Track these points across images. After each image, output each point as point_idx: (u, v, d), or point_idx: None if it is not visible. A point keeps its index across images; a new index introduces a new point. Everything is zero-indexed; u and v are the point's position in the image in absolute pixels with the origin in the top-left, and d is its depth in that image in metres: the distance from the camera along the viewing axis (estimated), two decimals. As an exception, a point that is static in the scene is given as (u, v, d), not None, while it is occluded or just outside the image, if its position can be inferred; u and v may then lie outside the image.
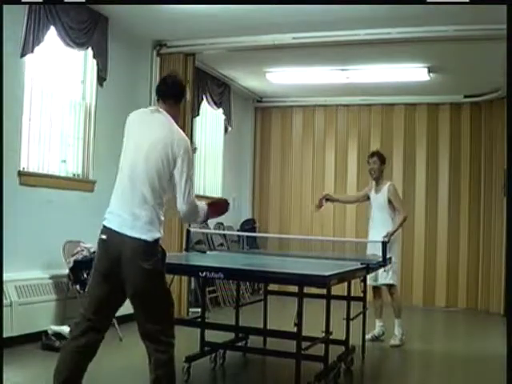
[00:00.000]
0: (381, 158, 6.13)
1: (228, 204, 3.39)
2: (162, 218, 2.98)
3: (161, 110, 3.07)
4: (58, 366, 2.95)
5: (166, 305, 3.02)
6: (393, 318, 6.01)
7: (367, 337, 5.69)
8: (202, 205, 3.14)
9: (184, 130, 7.26)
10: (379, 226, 5.89)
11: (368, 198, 6.23)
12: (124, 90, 6.57)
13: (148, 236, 2.88)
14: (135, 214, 2.89)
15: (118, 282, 2.92)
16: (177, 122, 3.11)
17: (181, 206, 2.97)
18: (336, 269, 3.98)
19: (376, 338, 6.06)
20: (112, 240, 2.92)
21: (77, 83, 6.16)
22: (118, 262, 2.88)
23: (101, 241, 2.98)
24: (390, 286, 6.01)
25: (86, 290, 3.13)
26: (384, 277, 5.86)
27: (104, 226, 2.97)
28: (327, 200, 6.05)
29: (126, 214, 2.90)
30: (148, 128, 3.03)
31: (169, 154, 2.92)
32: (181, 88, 3.17)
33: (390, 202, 5.97)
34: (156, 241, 2.93)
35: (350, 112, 9.74)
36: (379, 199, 6.04)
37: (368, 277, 5.29)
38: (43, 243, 5.40)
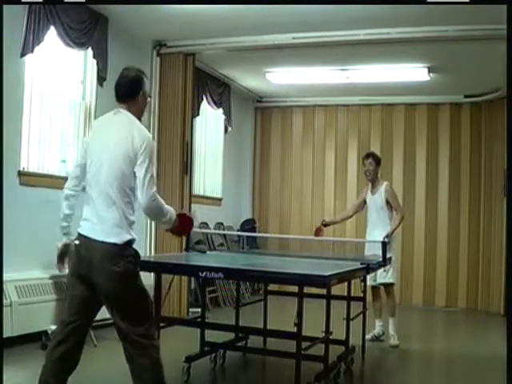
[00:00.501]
0: (376, 159, 6.12)
1: (192, 223, 3.31)
2: (132, 218, 2.97)
3: (121, 110, 3.08)
4: (42, 374, 2.94)
5: (142, 306, 2.96)
6: (388, 317, 6.01)
7: (367, 337, 5.69)
8: (171, 209, 3.10)
9: (184, 130, 7.31)
10: (377, 227, 5.90)
11: (365, 202, 6.23)
12: (124, 90, 6.56)
13: (117, 239, 2.89)
14: (102, 217, 2.91)
15: (93, 286, 2.92)
16: (140, 117, 3.12)
17: (141, 200, 2.93)
18: (336, 269, 3.98)
19: (376, 338, 6.06)
20: (83, 245, 2.96)
21: (77, 83, 6.16)
22: (89, 267, 2.90)
23: (74, 246, 3.04)
24: (389, 285, 6.01)
25: (66, 296, 3.13)
26: (383, 276, 5.86)
27: (78, 233, 3.02)
28: (325, 225, 6.03)
29: (95, 219, 2.94)
30: (109, 131, 3.05)
31: (130, 152, 2.92)
32: (134, 85, 3.11)
33: (387, 202, 5.98)
34: (127, 243, 2.92)
35: (350, 112, 9.73)
36: (376, 200, 6.03)
37: (368, 277, 5.29)
38: (43, 243, 5.38)
